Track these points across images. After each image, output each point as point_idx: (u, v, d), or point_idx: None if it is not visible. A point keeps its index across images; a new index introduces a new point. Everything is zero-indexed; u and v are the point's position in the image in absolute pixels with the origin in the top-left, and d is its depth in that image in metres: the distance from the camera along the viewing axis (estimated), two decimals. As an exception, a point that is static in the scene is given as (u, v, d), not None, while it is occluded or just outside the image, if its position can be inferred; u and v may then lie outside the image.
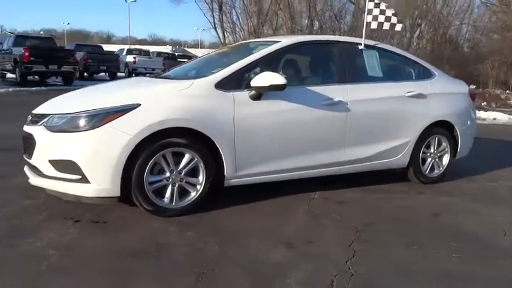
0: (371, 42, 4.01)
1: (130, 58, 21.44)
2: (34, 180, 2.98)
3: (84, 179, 2.75)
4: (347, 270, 2.33)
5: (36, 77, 15.41)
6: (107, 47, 32.14)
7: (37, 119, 3.01)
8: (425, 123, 4.03)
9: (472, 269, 2.45)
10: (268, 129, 3.25)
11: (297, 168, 3.46)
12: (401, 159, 4.00)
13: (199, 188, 3.07)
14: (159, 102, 2.92)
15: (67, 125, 2.81)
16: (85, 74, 18.51)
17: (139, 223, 2.87)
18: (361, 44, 3.84)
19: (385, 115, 3.81)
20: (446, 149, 4.30)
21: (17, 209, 3.03)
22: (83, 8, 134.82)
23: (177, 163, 2.98)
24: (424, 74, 4.22)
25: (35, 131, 2.94)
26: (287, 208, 3.31)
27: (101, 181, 2.75)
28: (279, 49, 3.44)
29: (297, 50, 3.72)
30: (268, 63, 3.38)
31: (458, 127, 4.27)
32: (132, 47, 27.40)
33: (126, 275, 2.19)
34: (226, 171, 3.14)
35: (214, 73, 3.20)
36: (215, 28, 21.29)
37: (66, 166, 2.77)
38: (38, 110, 3.13)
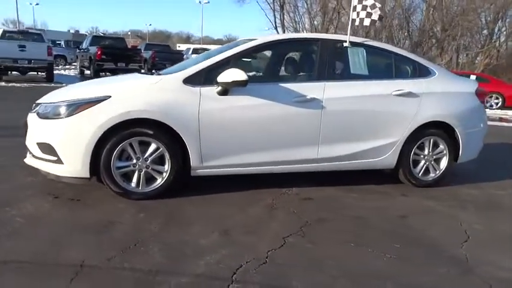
0: (358, 40, 3.94)
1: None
2: (28, 160, 3.46)
3: (59, 160, 3.15)
4: (262, 259, 2.42)
5: (109, 73, 16.92)
6: (185, 47, 34.24)
7: (34, 107, 3.48)
8: (415, 123, 3.87)
9: (397, 272, 2.39)
10: (235, 124, 3.39)
11: (267, 162, 3.56)
12: (388, 159, 3.89)
13: (165, 175, 3.32)
14: (127, 95, 3.22)
15: (50, 112, 3.22)
16: (153, 71, 19.84)
17: (106, 203, 3.19)
18: (346, 41, 3.81)
19: (367, 113, 3.73)
20: (445, 152, 4.08)
21: (17, 184, 3.52)
22: (166, 9, 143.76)
23: (145, 151, 3.26)
24: (421, 73, 4.03)
25: (30, 117, 3.41)
26: (252, 200, 3.42)
27: (72, 163, 3.12)
28: (251, 47, 3.56)
29: (272, 48, 3.81)
30: (240, 60, 3.52)
31: (460, 129, 4.02)
32: (199, 46, 28.71)
33: (64, 245, 2.50)
34: (192, 162, 3.35)
35: (185, 69, 3.43)
36: (276, 28, 21.53)
37: (46, 148, 3.18)
38: (38, 100, 3.60)
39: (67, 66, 22.59)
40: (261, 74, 3.87)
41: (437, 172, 4.12)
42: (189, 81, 3.33)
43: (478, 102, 4.21)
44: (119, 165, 3.22)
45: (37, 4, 49.26)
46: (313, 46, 3.78)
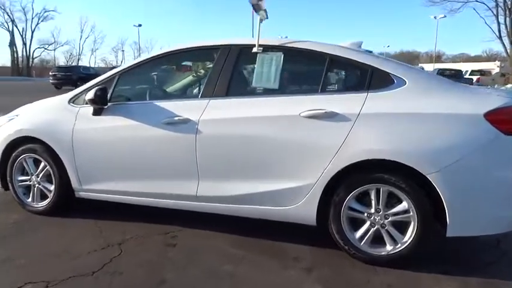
0: (276, 42, 2.84)
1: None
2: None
3: (-13, 172, 3.65)
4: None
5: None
6: (430, 67, 32.87)
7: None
8: (341, 161, 2.47)
9: None
10: (105, 146, 3.07)
11: (143, 193, 3.03)
12: (300, 211, 2.62)
13: (52, 193, 3.33)
14: (26, 115, 3.44)
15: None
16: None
17: (10, 212, 3.45)
18: (254, 46, 2.83)
19: (260, 142, 2.64)
20: (411, 213, 2.42)
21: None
22: (403, 30, 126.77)
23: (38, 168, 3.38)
24: (374, 83, 2.53)
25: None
26: (119, 235, 2.98)
27: (-9, 174, 3.57)
28: (134, 64, 3.14)
29: (159, 63, 3.19)
30: (122, 79, 3.16)
31: (439, 176, 2.31)
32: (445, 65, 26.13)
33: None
34: (72, 183, 3.24)
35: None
36: (500, 38, 17.27)
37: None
38: None
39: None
40: (144, 92, 3.30)
41: (399, 245, 2.48)
42: (74, 100, 3.25)
43: (494, 132, 2.30)
44: (20, 179, 3.45)
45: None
46: (212, 55, 2.98)
